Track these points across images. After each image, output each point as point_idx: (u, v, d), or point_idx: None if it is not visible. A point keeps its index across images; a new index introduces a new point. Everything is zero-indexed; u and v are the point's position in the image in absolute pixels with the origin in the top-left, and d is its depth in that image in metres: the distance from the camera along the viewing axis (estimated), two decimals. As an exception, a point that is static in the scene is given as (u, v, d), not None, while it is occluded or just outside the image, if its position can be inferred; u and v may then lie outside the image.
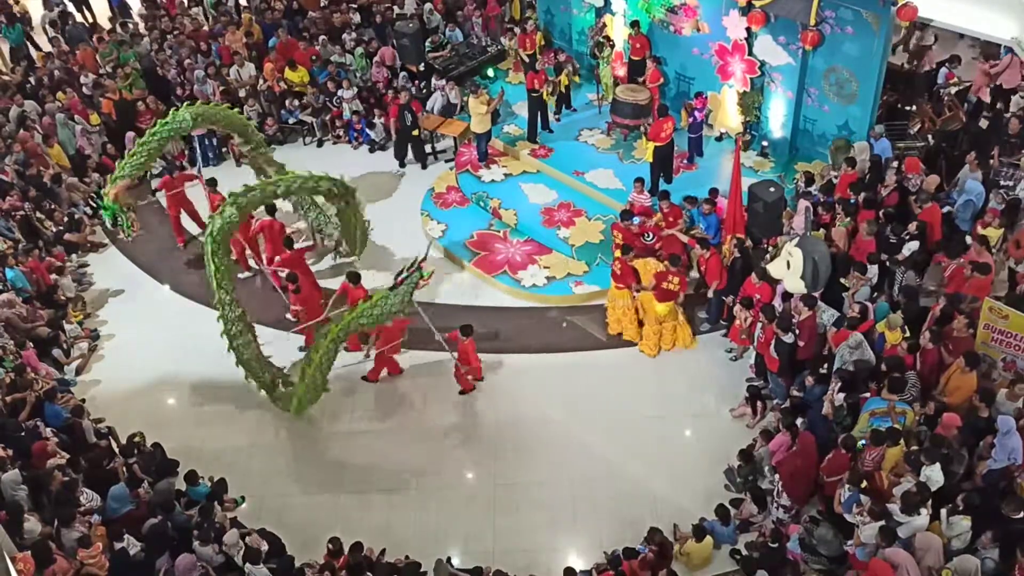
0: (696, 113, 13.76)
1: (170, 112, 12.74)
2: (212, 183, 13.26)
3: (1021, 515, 7.76)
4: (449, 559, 9.21)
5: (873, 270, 10.27)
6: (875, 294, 10.36)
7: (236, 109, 14.00)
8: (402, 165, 15.40)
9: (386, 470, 10.56)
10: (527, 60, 15.79)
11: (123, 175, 12.22)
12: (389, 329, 11.02)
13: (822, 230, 11.22)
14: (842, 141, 12.85)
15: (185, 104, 13.29)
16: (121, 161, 12.62)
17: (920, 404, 9.09)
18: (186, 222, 14.12)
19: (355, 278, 11.27)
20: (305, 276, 11.87)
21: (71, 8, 19.08)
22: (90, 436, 10.37)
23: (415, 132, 14.96)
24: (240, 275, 13.06)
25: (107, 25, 18.31)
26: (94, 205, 14.85)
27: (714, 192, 12.15)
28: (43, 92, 15.79)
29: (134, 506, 9.45)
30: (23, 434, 9.85)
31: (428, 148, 15.50)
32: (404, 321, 10.96)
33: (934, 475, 8.12)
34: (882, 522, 7.93)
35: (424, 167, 15.34)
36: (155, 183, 14.86)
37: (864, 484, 8.39)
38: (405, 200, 14.50)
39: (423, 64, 16.29)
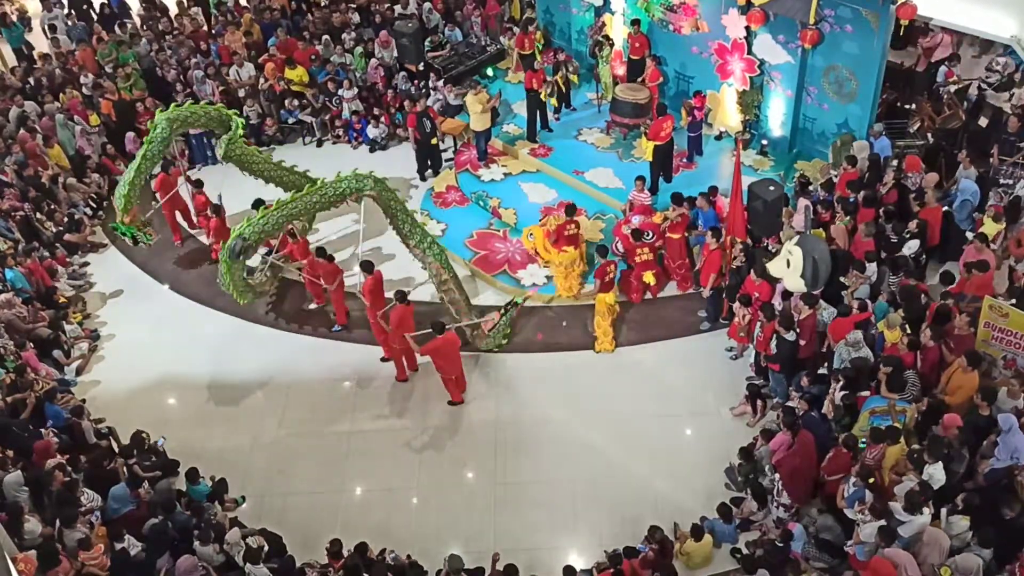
0: (695, 112, 13.76)
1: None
2: (199, 184, 13.27)
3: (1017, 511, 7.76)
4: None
5: (872, 268, 10.26)
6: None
7: (235, 109, 13.95)
8: (423, 178, 15.05)
9: (386, 470, 10.55)
10: (525, 58, 15.79)
11: (129, 201, 12.36)
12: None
13: (822, 228, 11.21)
14: (848, 136, 12.83)
15: (171, 106, 12.99)
16: (121, 186, 12.55)
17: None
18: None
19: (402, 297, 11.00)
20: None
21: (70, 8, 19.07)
22: (90, 436, 10.37)
23: (433, 140, 14.80)
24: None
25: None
26: (94, 206, 14.87)
27: (713, 190, 12.13)
28: (43, 93, 15.78)
29: (135, 506, 9.44)
30: (27, 435, 9.86)
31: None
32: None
33: (936, 473, 8.11)
34: (882, 521, 7.93)
35: (436, 173, 15.07)
36: (153, 183, 14.73)
37: (872, 480, 8.38)
38: (404, 200, 14.46)
39: (422, 64, 16.28)
